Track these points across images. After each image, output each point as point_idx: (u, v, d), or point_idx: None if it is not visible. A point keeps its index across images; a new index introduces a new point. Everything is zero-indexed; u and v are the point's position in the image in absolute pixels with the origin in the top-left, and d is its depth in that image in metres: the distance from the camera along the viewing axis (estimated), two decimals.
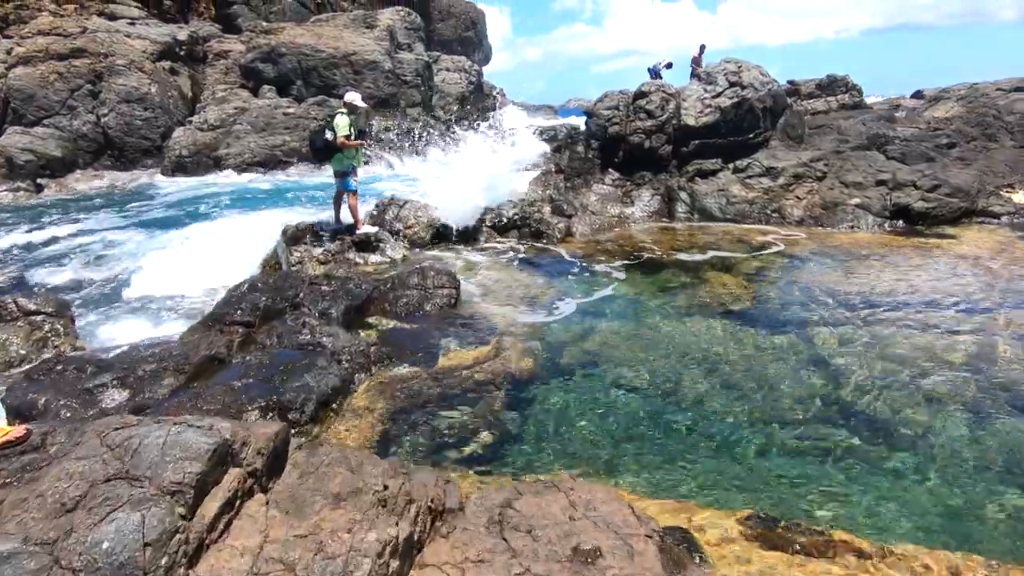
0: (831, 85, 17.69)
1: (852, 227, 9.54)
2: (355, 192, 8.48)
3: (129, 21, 28.70)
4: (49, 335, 6.46)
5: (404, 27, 31.30)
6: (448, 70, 33.63)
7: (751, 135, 11.77)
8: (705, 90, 11.92)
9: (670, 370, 5.15)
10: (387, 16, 30.43)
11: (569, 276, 7.61)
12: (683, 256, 8.29)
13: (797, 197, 10.45)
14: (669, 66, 17.52)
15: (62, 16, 27.78)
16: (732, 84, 11.74)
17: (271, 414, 3.88)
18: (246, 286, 6.16)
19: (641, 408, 4.61)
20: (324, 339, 4.85)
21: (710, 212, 10.69)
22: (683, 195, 11.02)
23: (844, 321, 6.00)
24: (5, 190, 18.52)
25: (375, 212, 9.44)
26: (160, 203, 16.17)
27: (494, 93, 40.58)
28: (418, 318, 5.96)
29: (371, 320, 5.87)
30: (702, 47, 15.86)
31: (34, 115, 22.25)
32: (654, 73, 17.88)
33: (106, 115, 23.23)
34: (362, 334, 5.41)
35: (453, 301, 6.37)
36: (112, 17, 28.67)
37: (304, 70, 24.72)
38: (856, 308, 6.31)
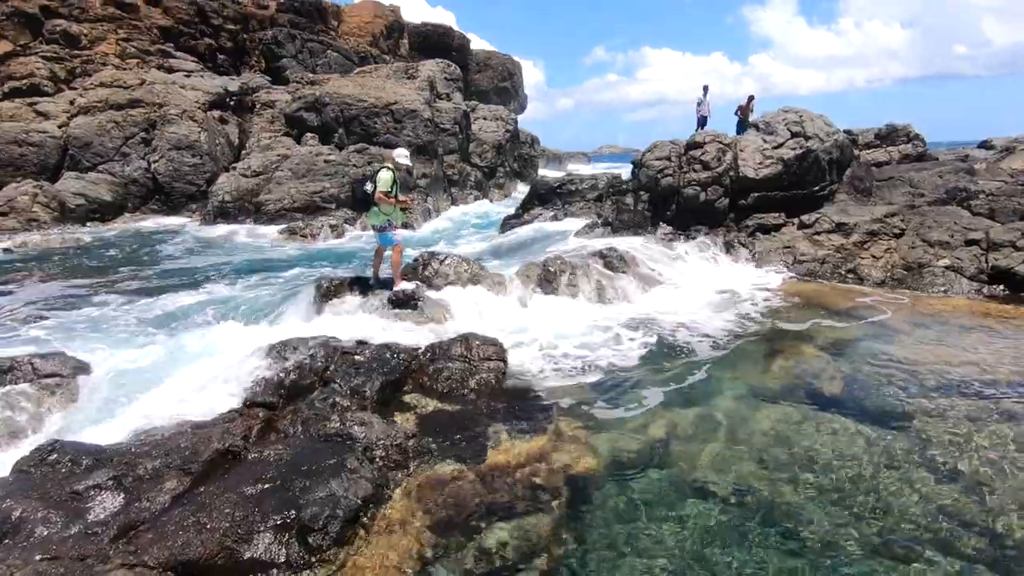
0: (891, 135, 16.78)
1: (944, 291, 8.49)
2: (397, 246, 7.95)
3: (185, 73, 30.05)
4: (60, 401, 5.97)
5: (444, 78, 31.96)
6: (485, 118, 34.07)
7: (816, 188, 10.94)
8: (764, 140, 11.22)
9: (763, 474, 4.24)
10: (428, 67, 31.15)
11: (632, 343, 6.78)
12: (761, 323, 7.39)
13: (873, 256, 9.48)
14: (705, 89, 17.15)
15: (124, 70, 29.28)
16: (795, 134, 11.02)
17: (288, 535, 3.15)
18: (273, 354, 5.57)
19: (730, 528, 3.71)
20: (355, 429, 4.15)
21: (775, 271, 9.79)
22: (743, 252, 10.17)
23: (965, 414, 5.00)
24: (56, 232, 18.92)
25: (413, 267, 8.89)
26: (189, 251, 16.18)
27: (530, 140, 40.91)
28: (461, 397, 5.23)
29: (408, 399, 5.16)
30: (750, 97, 15.31)
31: (90, 161, 23.08)
32: (701, 121, 17.38)
33: (156, 161, 23.95)
34: (399, 419, 4.69)
35: (501, 375, 5.63)
36: (170, 70, 30.11)
37: (346, 119, 25.16)
38: (975, 397, 5.30)
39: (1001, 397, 5.28)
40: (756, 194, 10.82)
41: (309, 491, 3.44)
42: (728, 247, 10.32)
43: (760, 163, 10.85)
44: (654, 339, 6.85)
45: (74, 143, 23.02)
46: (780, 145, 10.97)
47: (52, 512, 3.13)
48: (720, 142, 11.37)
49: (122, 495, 3.37)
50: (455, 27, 50.38)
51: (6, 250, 15.67)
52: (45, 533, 2.99)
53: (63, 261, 14.37)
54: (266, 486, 3.48)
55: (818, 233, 10.11)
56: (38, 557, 2.68)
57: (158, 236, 18.31)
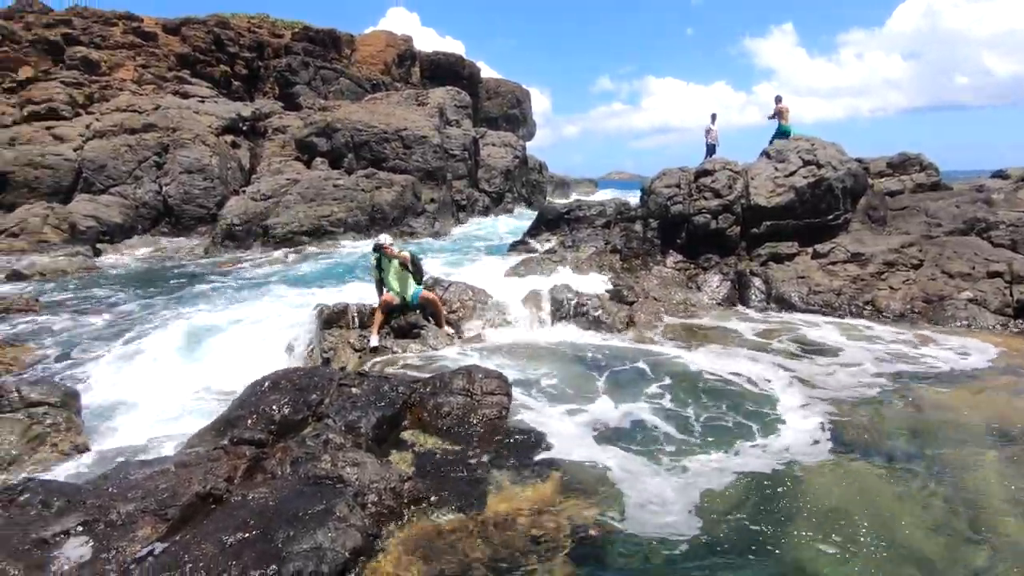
0: (903, 164, 16.53)
1: (968, 326, 8.16)
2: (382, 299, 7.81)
3: (200, 99, 30.52)
4: (49, 430, 5.76)
5: (453, 105, 32.32)
6: (494, 145, 34.30)
7: (830, 217, 10.72)
8: (776, 168, 11.06)
9: (793, 535, 3.90)
10: (438, 95, 31.51)
11: (646, 377, 6.47)
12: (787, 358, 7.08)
13: (891, 288, 9.18)
14: (713, 117, 17.51)
15: (140, 95, 29.77)
16: (807, 163, 10.85)
17: None
18: (267, 384, 5.34)
19: None
20: (347, 471, 3.88)
21: (789, 301, 9.50)
22: (757, 281, 9.91)
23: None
24: (63, 255, 18.94)
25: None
26: (205, 278, 16.11)
27: (538, 166, 41.13)
28: (462, 435, 4.95)
29: (406, 436, 4.90)
30: (777, 98, 15.13)
31: (103, 184, 23.30)
32: (710, 149, 17.31)
33: (168, 184, 24.16)
34: (394, 459, 4.42)
35: (504, 412, 5.35)
36: (185, 96, 30.59)
37: (356, 144, 25.35)
38: None
39: None
40: (768, 222, 10.60)
41: (293, 541, 3.17)
42: (741, 277, 10.05)
43: (772, 191, 10.66)
44: (657, 371, 6.57)
45: (88, 166, 23.32)
46: (792, 173, 10.79)
47: (11, 564, 2.88)
48: (731, 170, 11.21)
49: (91, 544, 3.12)
50: (465, 56, 51.20)
51: (13, 273, 15.60)
52: None
53: (74, 291, 14.32)
54: (247, 535, 3.21)
55: (833, 263, 9.84)
56: None
57: (162, 263, 18.27)
